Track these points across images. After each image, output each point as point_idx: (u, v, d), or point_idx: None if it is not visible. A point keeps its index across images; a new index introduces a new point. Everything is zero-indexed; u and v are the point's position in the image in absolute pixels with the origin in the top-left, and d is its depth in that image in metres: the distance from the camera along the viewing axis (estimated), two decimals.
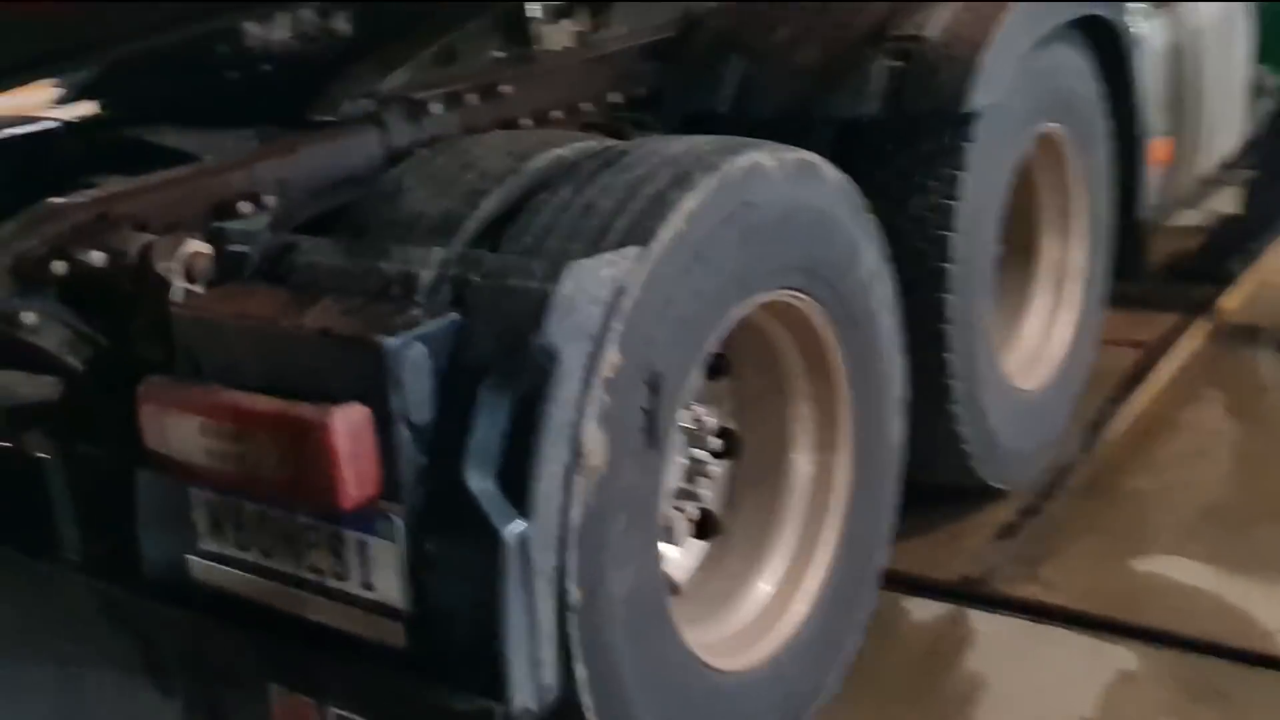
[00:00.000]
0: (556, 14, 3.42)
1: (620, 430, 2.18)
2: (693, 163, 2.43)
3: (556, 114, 3.36)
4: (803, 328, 2.80)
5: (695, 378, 2.48)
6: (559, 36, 3.41)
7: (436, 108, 3.06)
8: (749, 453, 3.00)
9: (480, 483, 2.00)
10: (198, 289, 2.32)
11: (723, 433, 2.96)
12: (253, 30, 3.25)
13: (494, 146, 2.69)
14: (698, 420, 2.85)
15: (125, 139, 3.30)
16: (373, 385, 1.98)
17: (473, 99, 3.15)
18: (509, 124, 3.25)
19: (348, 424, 1.95)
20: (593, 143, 2.71)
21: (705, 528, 2.93)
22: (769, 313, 2.71)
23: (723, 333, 2.50)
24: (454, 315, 2.06)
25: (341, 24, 3.30)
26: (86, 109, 3.46)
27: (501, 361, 2.01)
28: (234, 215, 2.64)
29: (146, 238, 2.37)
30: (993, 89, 3.27)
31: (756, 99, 3.46)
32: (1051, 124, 3.79)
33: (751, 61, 3.50)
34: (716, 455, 2.95)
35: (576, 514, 2.10)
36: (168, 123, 3.36)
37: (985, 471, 3.65)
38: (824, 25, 3.48)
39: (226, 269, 2.35)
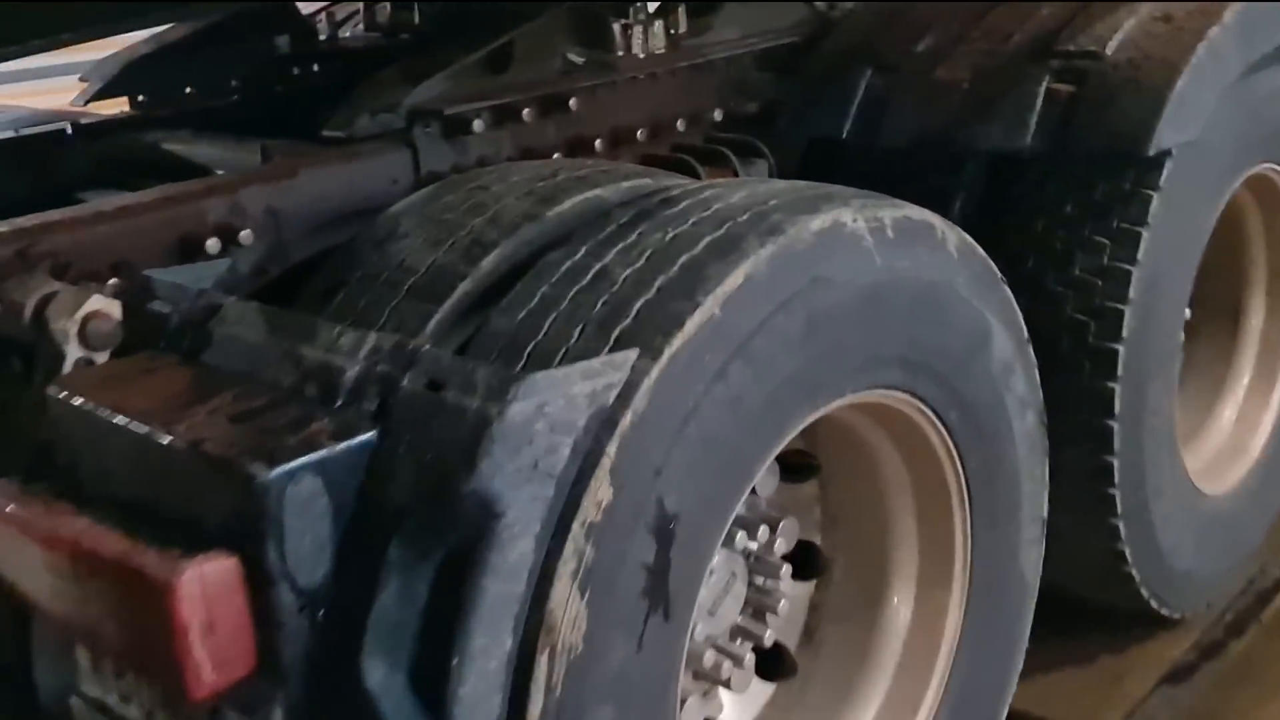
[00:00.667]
0: (648, 14, 2.82)
1: (608, 595, 1.58)
2: (749, 222, 1.80)
3: (640, 134, 2.77)
4: (906, 432, 2.15)
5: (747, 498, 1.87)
6: (648, 40, 2.80)
7: (480, 124, 2.51)
8: (836, 577, 2.37)
9: (383, 676, 1.43)
10: (99, 357, 1.82)
11: (803, 548, 2.33)
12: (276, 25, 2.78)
13: (518, 183, 2.11)
14: (769, 531, 2.22)
15: (133, 144, 2.86)
16: (248, 528, 1.44)
17: (529, 114, 2.58)
18: (577, 146, 2.68)
19: (201, 585, 1.41)
20: (646, 181, 2.11)
21: (772, 664, 2.31)
22: (858, 410, 2.07)
23: (781, 447, 1.87)
24: (369, 434, 1.49)
25: (375, 19, 2.80)
26: (102, 107, 3.03)
27: (423, 508, 1.44)
28: (200, 255, 2.14)
29: (52, 287, 1.88)
30: (1190, 123, 2.54)
31: (889, 123, 2.80)
32: (1268, 163, 3.01)
33: (886, 76, 2.84)
34: (794, 573, 2.33)
35: (537, 712, 1.52)
36: (186, 127, 2.92)
37: (1156, 596, 2.92)
38: (979, 34, 2.79)
39: (140, 334, 1.84)
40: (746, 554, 2.19)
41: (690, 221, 1.84)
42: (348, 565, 1.47)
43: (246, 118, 3.05)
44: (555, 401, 1.45)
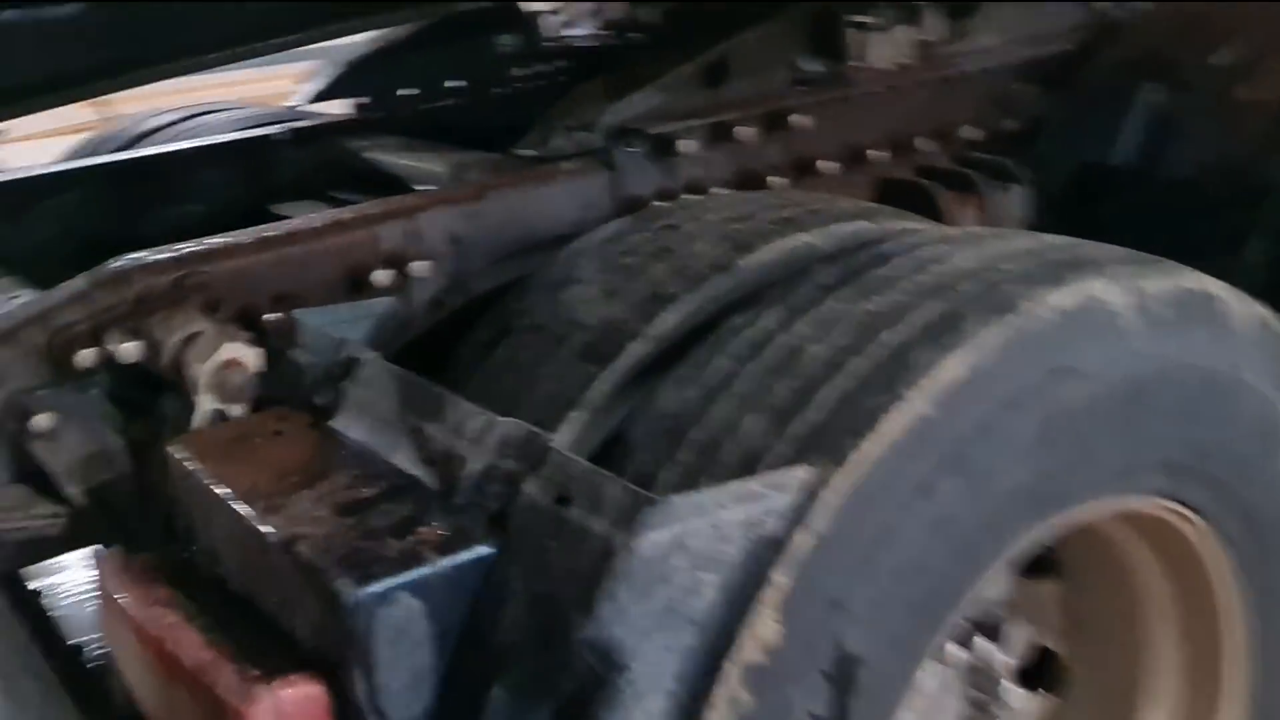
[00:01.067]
0: (894, 17, 2.48)
1: None
2: (974, 293, 1.47)
3: (876, 155, 2.44)
4: (1169, 543, 1.76)
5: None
6: (891, 48, 2.47)
7: (690, 144, 2.24)
8: (1078, 694, 2.00)
9: None
10: (234, 410, 1.65)
11: (1041, 655, 1.98)
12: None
13: (712, 223, 1.83)
14: (992, 637, 1.88)
15: (338, 152, 2.72)
16: (336, 651, 1.23)
17: (748, 133, 2.30)
18: (803, 168, 2.38)
19: (276, 716, 1.20)
20: (862, 226, 1.79)
21: None
22: (1107, 518, 1.71)
23: (1002, 566, 1.54)
24: (484, 550, 1.25)
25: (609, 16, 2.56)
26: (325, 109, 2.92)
27: (535, 650, 1.19)
28: (364, 290, 1.96)
29: (197, 326, 1.72)
30: None
31: (1174, 149, 2.38)
32: None
33: (1177, 93, 2.42)
34: (1026, 682, 1.98)
35: None
36: (397, 133, 2.76)
37: None
38: None
39: (281, 383, 1.66)
40: (962, 665, 1.86)
41: (901, 288, 1.52)
42: (449, 704, 1.24)
43: (463, 123, 2.89)
44: (699, 531, 1.17)
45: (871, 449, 1.33)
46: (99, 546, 1.73)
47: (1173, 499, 1.66)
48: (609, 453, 1.54)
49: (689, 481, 1.42)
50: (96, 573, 1.48)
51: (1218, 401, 1.63)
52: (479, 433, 1.36)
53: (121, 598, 1.41)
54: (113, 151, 3.01)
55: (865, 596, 1.35)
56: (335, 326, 1.76)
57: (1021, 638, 1.93)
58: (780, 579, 1.26)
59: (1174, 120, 2.38)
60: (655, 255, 1.78)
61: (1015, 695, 1.94)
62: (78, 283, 1.81)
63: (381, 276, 1.96)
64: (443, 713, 1.24)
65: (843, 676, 1.35)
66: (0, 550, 1.74)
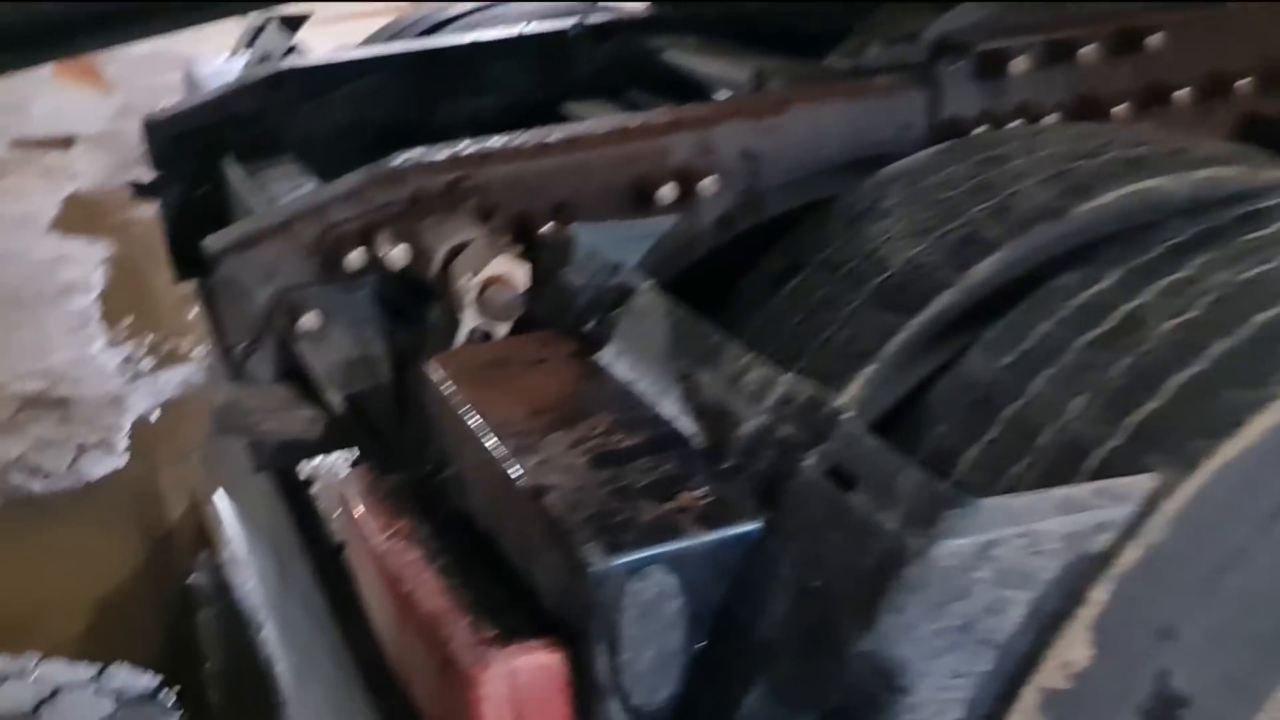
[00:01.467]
0: None
1: None
2: None
3: (1245, 85, 2.11)
4: None
5: None
6: None
7: (1024, 63, 1.98)
8: None
9: None
10: (498, 329, 1.54)
11: None
12: None
13: (1046, 158, 1.59)
14: None
15: (636, 50, 2.58)
16: (579, 621, 1.10)
17: (1092, 53, 2.01)
18: (1154, 96, 2.07)
19: (510, 684, 1.09)
20: (1230, 172, 1.51)
21: None
22: None
23: None
24: (750, 526, 1.09)
25: None
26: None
27: (799, 652, 1.03)
28: (647, 205, 1.81)
29: (467, 234, 1.62)
30: None
31: None
32: None
33: None
34: None
35: None
36: (700, 32, 2.59)
37: None
38: None
39: (549, 304, 1.54)
40: None
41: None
42: (698, 692, 1.09)
43: (774, 25, 2.68)
44: (1011, 542, 0.97)
45: (1229, 454, 1.09)
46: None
47: None
48: (903, 419, 1.35)
49: (996, 465, 1.22)
50: (345, 490, 1.40)
51: None
52: (757, 388, 1.19)
53: (364, 523, 1.33)
54: (411, 39, 2.95)
55: (1203, 626, 1.12)
56: (614, 245, 1.62)
57: None
58: (1098, 595, 1.06)
59: None
60: (975, 192, 1.56)
61: None
62: (354, 178, 1.74)
63: (668, 191, 1.81)
64: (690, 702, 1.10)
65: (1164, 717, 1.13)
66: (260, 450, 1.71)
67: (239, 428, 1.64)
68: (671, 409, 1.25)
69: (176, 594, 3.37)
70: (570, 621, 1.11)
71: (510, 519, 1.22)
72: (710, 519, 1.09)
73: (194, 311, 3.79)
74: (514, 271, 1.52)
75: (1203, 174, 1.49)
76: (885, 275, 1.50)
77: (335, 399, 1.64)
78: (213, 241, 1.69)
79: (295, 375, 1.71)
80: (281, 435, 1.66)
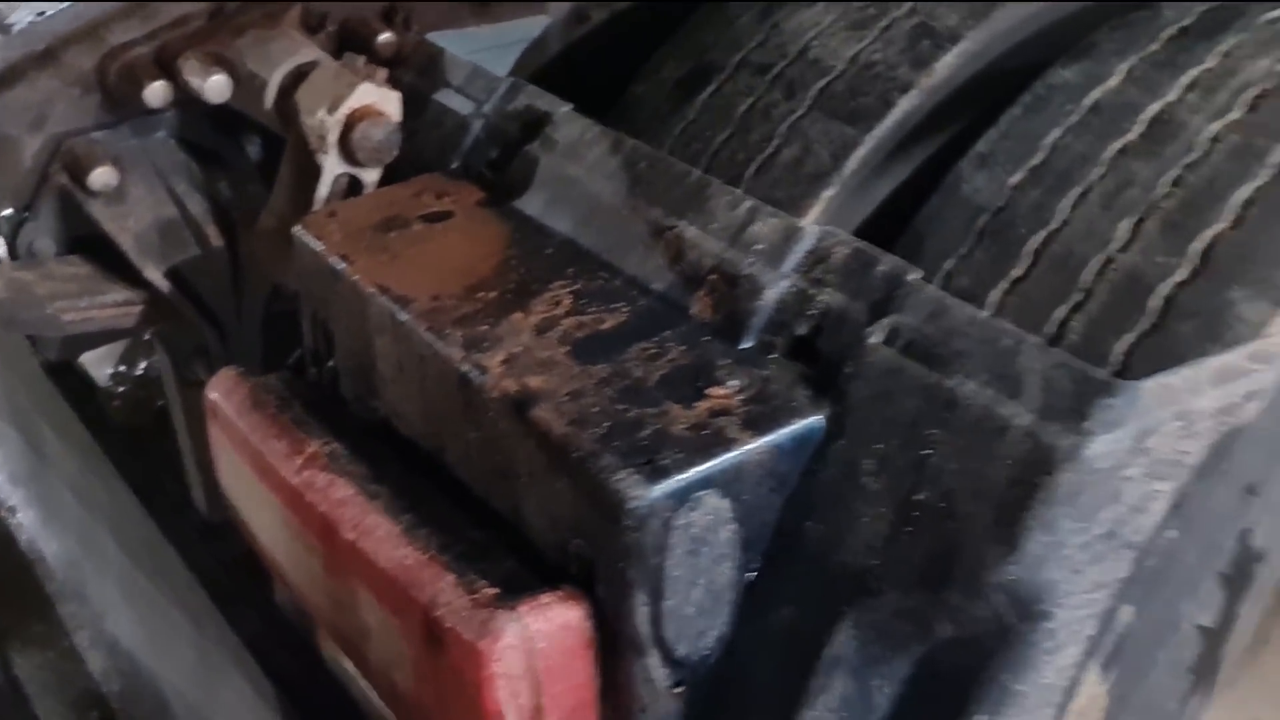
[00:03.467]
0: None
1: (1140, 677, 0.97)
2: None
3: None
4: None
5: None
6: None
7: None
8: None
9: None
10: (367, 175, 1.23)
11: None
12: None
13: None
14: None
15: None
16: (607, 566, 0.86)
17: None
18: None
19: (525, 651, 0.85)
20: None
21: None
22: None
23: None
24: (810, 419, 0.87)
25: None
26: None
27: (904, 581, 0.83)
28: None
29: (304, 55, 1.27)
30: None
31: None
32: None
33: None
34: None
35: None
36: None
37: None
38: None
39: (425, 139, 1.24)
40: None
41: None
42: (753, 636, 0.89)
43: None
44: (1166, 427, 0.79)
45: None
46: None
47: None
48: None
49: (1033, 308, 1.04)
50: (216, 400, 1.09)
51: None
52: (775, 241, 0.95)
53: (259, 446, 1.03)
54: None
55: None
56: (475, 59, 1.32)
57: None
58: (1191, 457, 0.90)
59: None
60: None
61: None
62: None
63: None
64: (743, 647, 0.89)
65: (1239, 578, 1.01)
66: (52, 343, 1.35)
67: (27, 320, 1.28)
68: (648, 271, 1.00)
69: None
70: (587, 562, 0.88)
71: (479, 439, 0.96)
72: (759, 420, 0.87)
73: None
74: (384, 101, 1.20)
75: None
76: (829, 78, 1.27)
77: (153, 274, 1.29)
78: None
79: (90, 246, 1.34)
80: (84, 326, 1.31)
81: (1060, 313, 1.02)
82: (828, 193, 1.20)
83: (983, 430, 0.80)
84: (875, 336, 0.87)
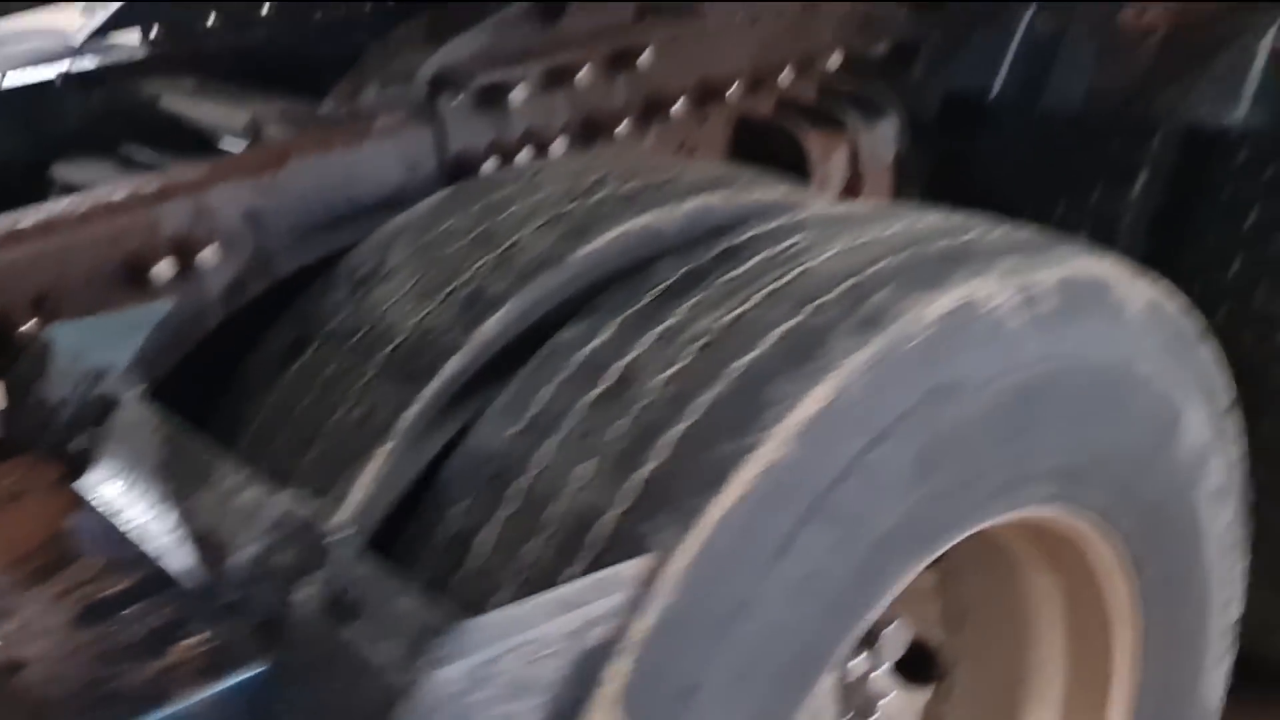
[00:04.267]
0: None
1: None
2: (841, 302, 1.26)
3: (734, 90, 2.20)
4: (1058, 543, 1.60)
5: None
6: None
7: (524, 91, 1.98)
8: (958, 690, 1.86)
9: None
10: None
11: (916, 652, 1.84)
12: None
13: (544, 201, 1.58)
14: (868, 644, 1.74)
15: (132, 98, 2.39)
16: None
17: (589, 75, 2.04)
18: (654, 106, 2.13)
19: None
20: (713, 202, 1.55)
21: None
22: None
23: (875, 616, 1.35)
24: (250, 669, 1.02)
25: None
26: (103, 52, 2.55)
27: None
28: (143, 287, 1.68)
29: None
30: None
31: (1056, 80, 2.18)
32: None
33: (1055, 17, 2.22)
34: (907, 677, 1.85)
35: None
36: (196, 73, 2.44)
37: None
38: None
39: (31, 422, 1.39)
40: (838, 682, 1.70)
41: (759, 294, 1.30)
42: None
43: (276, 59, 2.56)
44: (509, 655, 0.95)
45: (722, 506, 1.12)
46: None
47: (1065, 502, 1.49)
48: (422, 502, 1.31)
49: (512, 545, 1.20)
50: None
51: (1108, 398, 1.45)
52: (249, 510, 1.12)
53: None
54: None
55: (724, 674, 1.15)
56: (105, 341, 1.49)
57: (899, 637, 1.78)
58: (613, 670, 1.06)
59: (1054, 48, 2.18)
60: (478, 243, 1.54)
61: (893, 700, 1.81)
62: None
63: (164, 268, 1.67)
64: None
65: None
66: None
67: None
68: (164, 541, 1.16)
69: None
70: None
71: None
72: (208, 671, 1.01)
73: None
74: None
75: (690, 204, 1.53)
76: (395, 343, 1.45)
77: None
78: None
79: None
80: None
81: (531, 547, 1.19)
82: (383, 448, 1.37)
83: (357, 670, 0.95)
84: (302, 593, 1.02)
